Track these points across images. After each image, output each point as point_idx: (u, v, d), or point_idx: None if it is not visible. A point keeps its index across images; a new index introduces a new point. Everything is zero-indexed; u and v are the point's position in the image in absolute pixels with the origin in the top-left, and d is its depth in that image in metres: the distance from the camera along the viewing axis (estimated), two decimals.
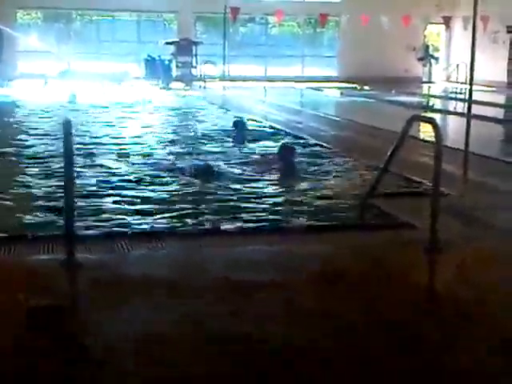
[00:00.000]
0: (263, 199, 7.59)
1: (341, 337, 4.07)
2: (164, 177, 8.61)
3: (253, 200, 7.53)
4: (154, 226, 6.38)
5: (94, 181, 8.29)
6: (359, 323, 4.25)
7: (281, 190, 8.22)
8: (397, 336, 4.10)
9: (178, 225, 6.45)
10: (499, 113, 18.80)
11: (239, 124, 12.78)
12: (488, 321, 4.36)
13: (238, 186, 8.15)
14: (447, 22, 31.34)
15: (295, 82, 27.94)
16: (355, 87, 26.46)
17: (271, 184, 8.42)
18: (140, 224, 6.44)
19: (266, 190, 8.05)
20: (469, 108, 9.04)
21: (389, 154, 6.39)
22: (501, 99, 22.81)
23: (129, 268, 5.14)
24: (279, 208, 7.28)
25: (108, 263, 5.23)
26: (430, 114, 17.64)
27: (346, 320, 4.28)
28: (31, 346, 3.79)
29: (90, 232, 5.99)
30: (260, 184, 8.38)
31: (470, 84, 9.07)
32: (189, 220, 6.62)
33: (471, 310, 4.52)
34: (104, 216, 6.68)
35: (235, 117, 13.15)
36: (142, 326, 4.12)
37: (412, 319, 4.35)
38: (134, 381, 3.52)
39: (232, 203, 7.36)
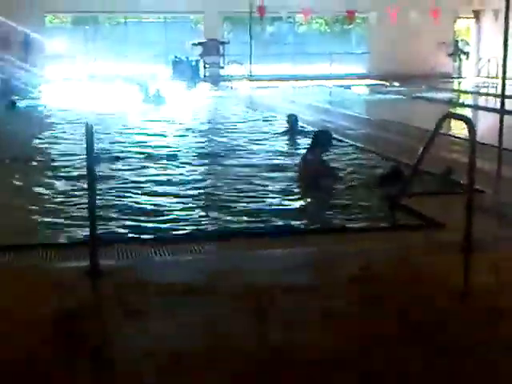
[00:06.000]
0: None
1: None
2: None
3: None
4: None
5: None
6: (393, 329, 4.11)
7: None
8: (432, 341, 3.96)
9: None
10: None
11: (292, 119, 12.71)
12: None
13: None
14: (477, 15, 30.92)
15: (324, 80, 27.71)
16: (385, 84, 26.19)
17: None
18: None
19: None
20: (502, 103, 8.82)
21: (420, 152, 6.24)
22: None
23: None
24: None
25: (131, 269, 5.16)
26: (461, 110, 17.43)
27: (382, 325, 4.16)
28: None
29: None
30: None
31: (503, 78, 8.85)
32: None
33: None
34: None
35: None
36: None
37: (447, 320, 4.21)
38: None
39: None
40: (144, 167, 9.45)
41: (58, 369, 3.62)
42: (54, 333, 4.04)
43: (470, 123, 5.56)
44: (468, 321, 4.26)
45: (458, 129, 11.33)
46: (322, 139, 8.73)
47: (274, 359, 3.73)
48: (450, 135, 11.25)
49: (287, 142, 11.78)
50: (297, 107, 18.01)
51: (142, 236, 6.05)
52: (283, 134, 12.50)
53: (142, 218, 6.70)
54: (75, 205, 7.15)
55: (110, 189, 7.94)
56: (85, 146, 4.99)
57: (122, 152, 10.64)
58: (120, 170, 9.26)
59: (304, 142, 11.35)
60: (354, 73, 30.09)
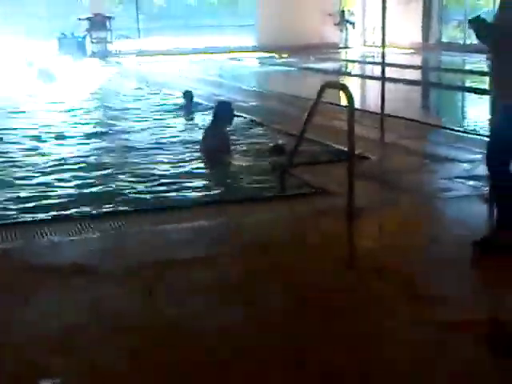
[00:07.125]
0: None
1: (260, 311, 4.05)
2: None
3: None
4: None
5: None
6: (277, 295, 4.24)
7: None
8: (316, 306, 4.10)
9: None
10: (415, 74, 19.01)
11: (188, 95, 12.65)
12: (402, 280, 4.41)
13: None
14: None
15: (214, 53, 27.65)
16: (274, 56, 26.37)
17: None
18: None
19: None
20: (382, 70, 9.11)
21: (304, 121, 6.37)
22: (417, 61, 23.10)
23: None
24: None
25: None
26: (346, 79, 17.84)
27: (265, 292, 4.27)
28: None
29: None
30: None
31: (383, 47, 9.14)
32: None
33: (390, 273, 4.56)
34: None
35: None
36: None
37: (332, 287, 4.36)
38: None
39: None
40: (30, 147, 9.23)
41: None
42: None
43: (346, 90, 5.73)
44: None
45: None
46: (222, 111, 8.75)
47: (170, 334, 3.76)
48: (338, 105, 11.47)
49: (183, 117, 11.74)
50: (188, 81, 17.92)
51: (27, 217, 5.93)
52: (178, 109, 12.43)
53: (28, 199, 6.57)
54: None
55: None
56: None
57: (6, 133, 10.31)
58: (4, 151, 8.99)
59: (200, 117, 11.37)
60: (244, 45, 30.14)
